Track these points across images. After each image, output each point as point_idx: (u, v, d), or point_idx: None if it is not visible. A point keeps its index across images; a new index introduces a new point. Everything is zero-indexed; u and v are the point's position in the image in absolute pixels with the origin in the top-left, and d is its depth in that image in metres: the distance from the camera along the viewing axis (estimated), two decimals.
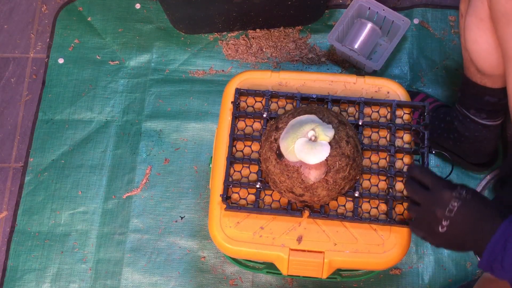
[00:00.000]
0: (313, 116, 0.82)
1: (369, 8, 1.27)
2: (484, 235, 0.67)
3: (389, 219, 0.84)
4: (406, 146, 0.89)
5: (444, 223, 0.70)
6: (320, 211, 0.85)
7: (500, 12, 0.83)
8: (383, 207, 0.86)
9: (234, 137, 0.90)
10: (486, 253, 0.66)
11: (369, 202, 0.87)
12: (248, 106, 0.93)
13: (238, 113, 0.91)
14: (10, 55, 1.41)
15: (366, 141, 0.90)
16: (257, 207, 0.86)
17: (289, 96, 0.92)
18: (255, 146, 0.91)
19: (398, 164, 0.88)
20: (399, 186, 0.87)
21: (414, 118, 0.92)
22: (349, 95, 0.94)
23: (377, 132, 0.90)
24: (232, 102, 0.92)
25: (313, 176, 0.80)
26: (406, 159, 0.89)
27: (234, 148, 0.91)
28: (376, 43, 1.32)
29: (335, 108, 0.91)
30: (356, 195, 0.85)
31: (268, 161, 0.84)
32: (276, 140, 0.83)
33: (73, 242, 1.23)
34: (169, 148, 1.29)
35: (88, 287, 1.19)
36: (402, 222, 0.84)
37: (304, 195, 0.82)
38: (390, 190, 0.86)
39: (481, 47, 0.93)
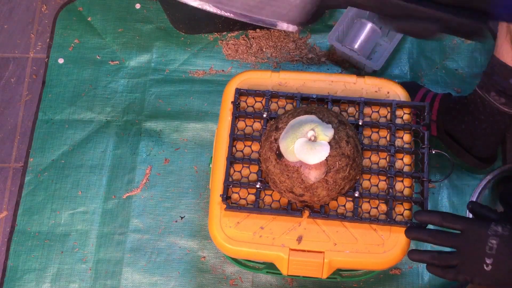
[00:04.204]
0: (312, 116, 0.82)
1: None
2: None
3: (389, 219, 0.84)
4: (406, 146, 0.89)
5: (488, 261, 0.69)
6: (320, 211, 0.85)
7: None
8: (383, 207, 0.86)
9: (234, 137, 0.90)
10: None
11: (369, 202, 0.87)
12: (248, 106, 0.94)
13: (238, 113, 0.91)
14: (10, 55, 1.41)
15: (366, 141, 0.90)
16: (257, 207, 0.86)
17: (289, 96, 0.92)
18: (255, 146, 0.91)
19: (398, 164, 0.88)
20: (399, 186, 0.87)
21: (419, 118, 0.92)
22: (349, 95, 0.94)
23: (377, 132, 0.90)
24: (232, 102, 0.92)
25: (313, 176, 0.80)
26: (406, 159, 0.89)
27: (234, 148, 0.91)
28: (376, 43, 1.32)
29: (335, 108, 0.91)
30: (356, 195, 0.85)
31: (268, 161, 0.84)
32: (276, 140, 0.83)
33: (73, 242, 1.23)
34: (169, 148, 1.29)
35: (88, 287, 1.19)
36: (402, 222, 0.85)
37: (304, 195, 0.82)
38: (390, 190, 0.86)
39: None
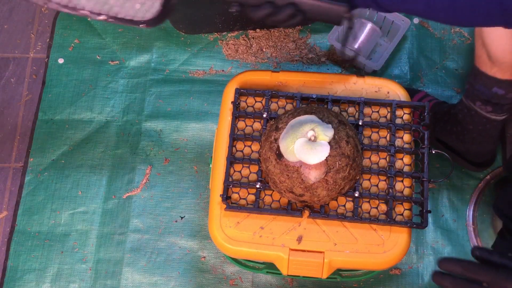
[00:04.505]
0: (312, 116, 0.82)
1: (369, 8, 1.27)
2: None
3: (389, 219, 0.84)
4: (406, 146, 0.89)
5: None
6: (320, 211, 0.85)
7: None
8: (383, 207, 0.86)
9: (234, 137, 0.90)
10: None
11: (369, 202, 0.87)
12: (248, 106, 0.94)
13: (238, 113, 0.91)
14: (10, 55, 1.41)
15: (366, 141, 0.90)
16: (257, 207, 0.86)
17: (289, 96, 0.92)
18: (255, 146, 0.91)
19: (398, 164, 0.88)
20: (399, 186, 0.87)
21: (415, 118, 0.92)
22: (349, 95, 0.94)
23: (377, 132, 0.90)
24: (232, 102, 0.92)
25: (313, 176, 0.80)
26: (406, 159, 0.89)
27: (234, 148, 0.91)
28: (376, 43, 1.32)
29: (335, 108, 0.91)
30: (356, 195, 0.85)
31: (268, 161, 0.84)
32: (276, 140, 0.83)
33: (73, 242, 1.23)
34: (169, 148, 1.29)
35: (88, 287, 1.20)
36: (402, 222, 0.85)
37: (304, 195, 0.82)
38: (390, 190, 0.86)
39: (494, 31, 0.92)
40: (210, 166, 0.97)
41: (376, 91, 0.94)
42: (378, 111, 0.91)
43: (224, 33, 1.38)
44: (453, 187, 1.22)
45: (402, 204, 0.86)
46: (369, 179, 0.87)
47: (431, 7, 0.72)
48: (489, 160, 1.18)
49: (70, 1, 0.75)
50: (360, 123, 0.89)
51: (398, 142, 0.89)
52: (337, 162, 0.80)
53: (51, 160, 1.30)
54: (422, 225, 0.84)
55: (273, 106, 0.93)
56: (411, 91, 1.24)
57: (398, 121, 0.90)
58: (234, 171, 0.90)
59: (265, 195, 0.88)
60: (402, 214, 0.86)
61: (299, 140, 0.79)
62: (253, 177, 0.89)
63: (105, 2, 0.75)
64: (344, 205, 0.86)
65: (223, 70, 1.35)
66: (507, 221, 1.02)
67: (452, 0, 0.71)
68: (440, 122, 1.15)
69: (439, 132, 1.16)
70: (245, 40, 1.36)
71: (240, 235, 0.87)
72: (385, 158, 0.88)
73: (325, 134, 0.79)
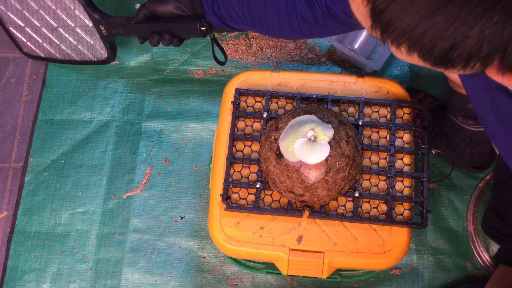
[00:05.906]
0: (312, 116, 0.82)
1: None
2: None
3: (389, 219, 0.84)
4: (406, 146, 0.89)
5: None
6: (320, 211, 0.85)
7: None
8: (383, 207, 0.86)
9: (234, 137, 0.90)
10: None
11: (369, 202, 0.87)
12: (248, 106, 0.94)
13: (238, 113, 0.91)
14: (10, 55, 1.41)
15: (366, 141, 0.90)
16: (257, 207, 0.86)
17: (289, 96, 0.92)
18: (255, 146, 0.91)
19: (398, 164, 0.88)
20: (399, 186, 0.87)
21: (415, 118, 0.92)
22: (349, 95, 0.94)
23: (377, 132, 0.90)
24: (232, 102, 0.92)
25: (313, 176, 0.80)
26: (406, 159, 0.89)
27: (234, 148, 0.91)
28: (376, 43, 1.32)
29: (335, 108, 0.92)
30: (356, 195, 0.85)
31: (268, 161, 0.84)
32: (276, 140, 0.83)
33: (73, 242, 1.23)
34: (169, 148, 1.29)
35: (88, 287, 1.19)
36: (402, 222, 0.85)
37: (304, 195, 0.82)
38: (390, 190, 0.86)
39: None
40: (210, 166, 0.97)
41: (376, 91, 0.94)
42: (378, 111, 0.92)
43: (224, 33, 1.38)
44: (453, 187, 1.22)
45: (402, 204, 0.86)
46: (369, 179, 0.87)
47: (255, 24, 0.84)
48: (487, 162, 1.18)
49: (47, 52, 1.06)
50: (360, 123, 0.89)
51: (398, 142, 0.89)
52: (337, 162, 0.80)
53: (51, 160, 1.30)
54: (422, 225, 0.84)
55: (273, 106, 0.93)
56: (411, 92, 1.25)
57: (398, 121, 0.91)
58: (234, 171, 0.90)
59: (265, 195, 0.88)
60: (402, 214, 0.86)
61: (299, 140, 0.79)
62: (253, 177, 0.89)
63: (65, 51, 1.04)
64: (344, 205, 0.87)
65: (223, 70, 1.35)
66: (500, 242, 1.02)
67: (263, 13, 0.84)
68: (431, 133, 1.16)
69: (431, 141, 1.17)
70: (245, 40, 1.36)
71: (240, 235, 0.87)
72: (385, 158, 0.88)
73: (325, 134, 0.79)
